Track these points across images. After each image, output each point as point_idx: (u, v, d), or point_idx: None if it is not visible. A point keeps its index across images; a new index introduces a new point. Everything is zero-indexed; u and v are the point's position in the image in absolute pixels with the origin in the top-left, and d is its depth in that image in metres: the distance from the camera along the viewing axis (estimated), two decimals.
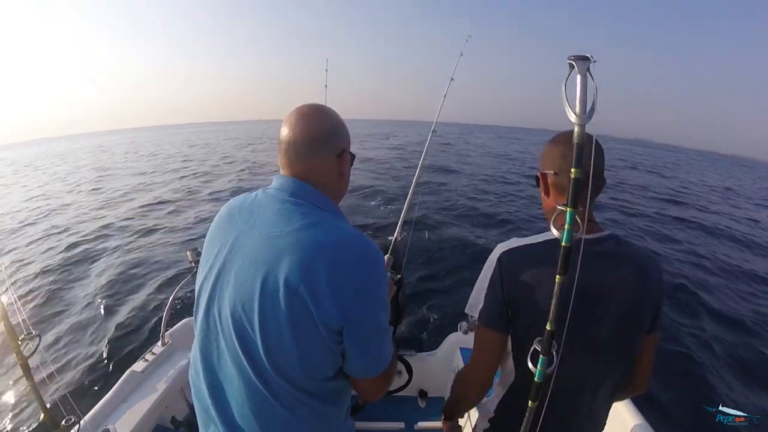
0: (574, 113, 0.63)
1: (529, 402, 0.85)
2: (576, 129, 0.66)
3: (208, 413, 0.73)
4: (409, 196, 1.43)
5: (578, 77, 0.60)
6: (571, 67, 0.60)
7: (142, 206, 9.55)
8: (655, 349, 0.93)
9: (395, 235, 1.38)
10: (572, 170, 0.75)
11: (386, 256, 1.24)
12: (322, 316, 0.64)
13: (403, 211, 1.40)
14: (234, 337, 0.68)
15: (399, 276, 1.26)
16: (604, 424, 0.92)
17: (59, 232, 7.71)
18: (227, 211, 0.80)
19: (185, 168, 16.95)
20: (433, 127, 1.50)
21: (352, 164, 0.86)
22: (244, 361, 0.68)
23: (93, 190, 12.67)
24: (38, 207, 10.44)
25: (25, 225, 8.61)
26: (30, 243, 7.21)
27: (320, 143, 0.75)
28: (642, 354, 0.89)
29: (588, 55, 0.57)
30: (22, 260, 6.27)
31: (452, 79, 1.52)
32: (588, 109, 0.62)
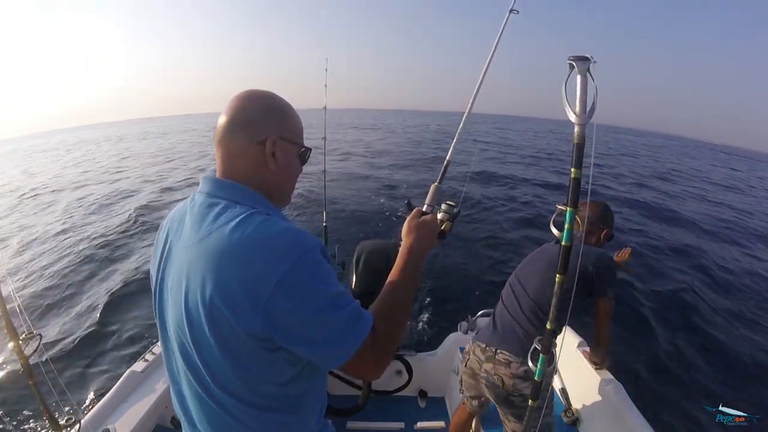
0: (574, 113, 0.63)
1: (530, 401, 0.90)
2: (576, 129, 0.66)
3: (182, 420, 0.74)
4: (465, 115, 1.19)
5: (578, 77, 0.61)
6: (571, 67, 0.60)
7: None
8: (605, 310, 1.49)
9: (447, 156, 1.14)
10: (572, 170, 0.76)
11: (435, 185, 1.05)
12: (244, 325, 0.58)
13: (457, 132, 1.16)
14: (180, 355, 0.67)
15: (456, 210, 1.03)
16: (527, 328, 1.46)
17: (62, 231, 7.71)
18: (165, 221, 0.76)
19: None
20: (490, 58, 1.16)
21: (304, 160, 0.78)
22: (192, 378, 0.66)
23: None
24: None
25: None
26: (31, 242, 7.21)
27: (237, 127, 0.68)
28: (596, 312, 1.51)
29: (588, 56, 0.58)
30: (23, 260, 6.27)
31: (514, 11, 1.16)
32: (588, 109, 0.62)
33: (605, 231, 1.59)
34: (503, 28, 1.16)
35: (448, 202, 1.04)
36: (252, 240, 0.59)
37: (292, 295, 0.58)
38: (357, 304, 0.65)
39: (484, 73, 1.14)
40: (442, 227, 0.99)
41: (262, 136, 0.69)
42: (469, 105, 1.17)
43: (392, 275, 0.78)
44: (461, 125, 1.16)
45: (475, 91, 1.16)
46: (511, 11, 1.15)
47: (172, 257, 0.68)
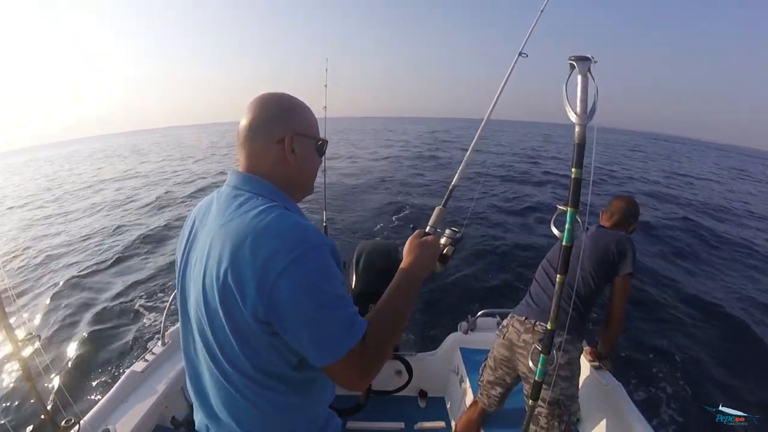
0: (575, 113, 0.63)
1: (530, 401, 0.90)
2: (577, 129, 0.66)
3: (195, 401, 0.78)
4: (474, 140, 1.21)
5: (579, 77, 0.61)
6: (572, 67, 0.60)
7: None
8: (621, 288, 1.63)
9: (453, 181, 1.14)
10: (572, 170, 0.76)
11: (439, 207, 1.06)
12: (249, 306, 0.62)
13: (465, 156, 1.17)
14: (197, 334, 0.72)
15: (459, 235, 1.03)
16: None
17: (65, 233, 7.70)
18: (192, 212, 0.82)
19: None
20: (496, 98, 1.19)
21: (322, 151, 0.83)
22: (207, 357, 0.70)
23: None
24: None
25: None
26: (33, 242, 7.20)
27: (257, 130, 0.75)
28: (612, 289, 1.65)
29: (589, 56, 0.58)
30: (24, 260, 6.27)
31: (523, 55, 1.19)
32: (589, 109, 0.62)
33: (633, 226, 1.77)
34: (511, 70, 1.17)
35: (452, 227, 1.04)
36: (267, 227, 0.64)
37: (293, 286, 0.61)
38: (354, 310, 0.67)
39: (490, 112, 1.17)
40: (444, 251, 1.01)
41: (280, 135, 0.75)
42: (475, 138, 1.19)
43: (388, 292, 0.79)
44: (467, 153, 1.16)
45: (480, 128, 1.19)
46: (519, 54, 1.18)
47: (197, 242, 0.74)
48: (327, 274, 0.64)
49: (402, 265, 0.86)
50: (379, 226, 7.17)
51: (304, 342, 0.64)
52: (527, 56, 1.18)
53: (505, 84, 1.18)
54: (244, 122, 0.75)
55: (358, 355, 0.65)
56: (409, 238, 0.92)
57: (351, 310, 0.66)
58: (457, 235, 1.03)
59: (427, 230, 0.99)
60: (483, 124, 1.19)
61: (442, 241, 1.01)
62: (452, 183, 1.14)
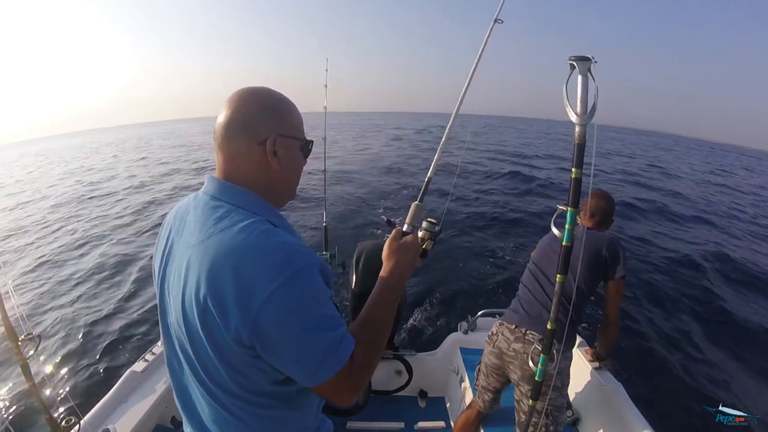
0: (575, 113, 0.63)
1: (530, 401, 0.91)
2: (577, 129, 0.66)
3: (183, 415, 0.75)
4: (447, 128, 1.19)
5: (579, 78, 0.61)
6: (572, 67, 0.60)
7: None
8: (616, 290, 1.59)
9: (428, 174, 1.11)
10: (573, 170, 0.76)
11: (416, 203, 1.02)
12: (232, 330, 0.58)
13: (439, 148, 1.15)
14: (179, 351, 0.68)
15: (438, 228, 1.00)
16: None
17: (63, 228, 7.71)
18: (167, 217, 0.77)
19: None
20: (473, 70, 1.16)
21: (307, 154, 0.76)
22: (191, 374, 0.68)
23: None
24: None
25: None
26: (34, 241, 7.20)
27: (235, 130, 0.67)
28: (607, 293, 1.62)
29: (589, 56, 0.58)
30: (23, 260, 6.27)
31: (499, 21, 1.16)
32: (589, 109, 0.62)
33: (613, 221, 1.80)
34: (487, 37, 1.16)
35: (429, 219, 1.00)
36: (249, 248, 0.59)
37: (280, 311, 0.58)
38: (342, 330, 0.65)
39: (467, 87, 1.14)
40: (423, 246, 0.97)
41: (262, 136, 0.68)
42: (449, 124, 1.17)
43: (370, 302, 0.76)
44: (441, 143, 1.15)
45: (455, 109, 1.16)
46: (495, 21, 1.16)
47: (173, 255, 0.69)
48: (315, 295, 0.61)
49: (384, 269, 0.82)
50: (379, 224, 7.16)
51: (289, 365, 0.62)
52: (503, 23, 1.16)
53: (481, 53, 1.15)
54: (221, 119, 0.68)
55: (346, 374, 0.64)
56: (388, 241, 0.87)
57: (339, 331, 0.64)
58: (436, 228, 1.00)
59: (404, 229, 0.96)
60: (460, 100, 1.15)
61: (420, 235, 0.97)
62: (427, 176, 1.11)
